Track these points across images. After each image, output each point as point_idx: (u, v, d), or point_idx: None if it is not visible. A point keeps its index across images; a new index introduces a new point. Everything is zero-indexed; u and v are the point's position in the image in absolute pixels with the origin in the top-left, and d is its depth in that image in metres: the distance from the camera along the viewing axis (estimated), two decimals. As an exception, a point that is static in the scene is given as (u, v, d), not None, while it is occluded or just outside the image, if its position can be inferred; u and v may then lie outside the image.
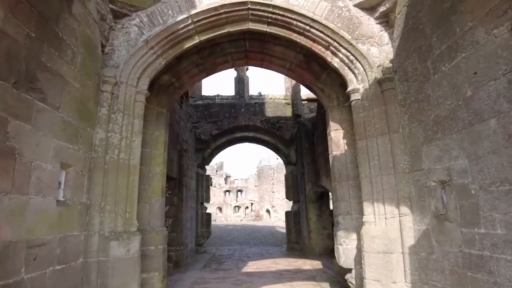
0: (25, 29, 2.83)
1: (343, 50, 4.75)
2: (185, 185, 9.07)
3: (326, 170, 7.74)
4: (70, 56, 3.55)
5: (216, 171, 38.97)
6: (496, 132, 2.70)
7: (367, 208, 4.36)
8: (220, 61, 5.80)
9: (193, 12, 4.65)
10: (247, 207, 39.39)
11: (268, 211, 37.03)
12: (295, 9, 4.70)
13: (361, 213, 4.66)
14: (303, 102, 12.73)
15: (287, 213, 12.84)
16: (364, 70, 4.63)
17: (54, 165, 3.22)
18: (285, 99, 12.85)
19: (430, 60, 3.60)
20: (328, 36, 4.76)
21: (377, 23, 4.79)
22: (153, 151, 5.20)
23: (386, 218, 4.15)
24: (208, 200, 13.32)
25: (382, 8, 4.67)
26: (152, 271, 4.74)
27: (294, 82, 12.70)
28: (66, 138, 3.46)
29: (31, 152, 2.87)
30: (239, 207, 39.45)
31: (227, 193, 40.06)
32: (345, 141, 5.20)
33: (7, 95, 2.60)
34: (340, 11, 4.79)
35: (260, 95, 13.14)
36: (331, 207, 11.45)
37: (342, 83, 5.12)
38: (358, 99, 4.66)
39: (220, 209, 38.96)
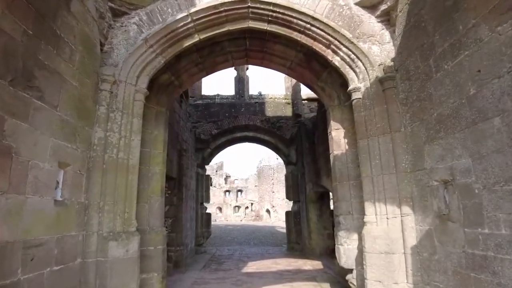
0: (22, 26, 2.79)
1: (344, 49, 4.71)
2: (185, 185, 9.03)
3: (327, 170, 7.70)
4: (68, 54, 3.51)
5: (216, 171, 38.93)
6: (500, 131, 2.66)
7: (369, 208, 4.31)
8: (220, 60, 5.76)
9: (193, 10, 4.61)
10: (247, 207, 39.35)
11: (268, 211, 36.99)
12: (296, 7, 4.66)
13: (362, 213, 4.62)
14: (303, 101, 12.68)
15: (287, 213, 12.80)
16: (365, 69, 4.58)
17: (52, 164, 3.18)
18: (285, 99, 12.81)
19: (433, 58, 3.56)
20: (329, 34, 4.72)
21: (378, 22, 4.75)
22: (152, 151, 5.15)
23: (387, 218, 4.11)
24: (208, 200, 13.28)
25: (383, 7, 4.63)
26: (151, 271, 4.69)
27: (294, 81, 12.66)
28: (64, 137, 3.41)
29: (28, 151, 2.83)
30: (239, 207, 39.41)
31: (227, 193, 40.03)
32: (346, 141, 5.16)
33: (4, 93, 2.56)
34: (341, 10, 4.75)
35: (260, 94, 13.10)
36: (331, 207, 11.41)
37: (343, 82, 5.08)
38: (359, 98, 4.62)
39: (220, 209, 38.92)
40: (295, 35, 4.90)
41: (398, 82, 4.30)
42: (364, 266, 4.22)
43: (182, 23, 4.63)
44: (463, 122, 3.08)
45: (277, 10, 4.69)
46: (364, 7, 4.76)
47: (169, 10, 4.65)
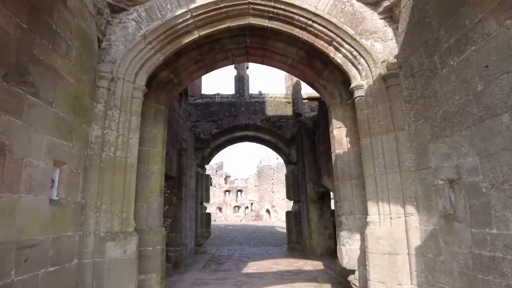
0: (16, 20, 2.70)
1: (346, 46, 4.63)
2: (185, 184, 8.95)
3: (328, 169, 7.62)
4: (64, 49, 3.42)
5: (216, 171, 38.85)
6: (509, 128, 2.58)
7: (372, 208, 4.23)
8: (220, 57, 5.68)
9: (193, 6, 4.52)
10: (247, 207, 39.27)
11: (268, 211, 36.91)
12: (297, 3, 4.58)
13: (364, 213, 4.54)
14: (304, 101, 12.60)
15: (287, 213, 12.72)
16: (368, 66, 4.50)
17: (47, 162, 3.09)
18: (286, 98, 12.73)
19: (438, 54, 3.48)
20: (331, 31, 4.63)
21: (380, 18, 4.67)
22: (151, 149, 5.07)
23: (391, 218, 4.02)
24: (207, 200, 13.19)
25: (386, 3, 4.55)
26: (150, 272, 4.61)
27: (294, 80, 12.59)
28: (60, 135, 3.33)
29: (22, 148, 2.74)
30: (239, 207, 39.32)
31: (227, 193, 39.94)
32: (348, 139, 5.08)
33: (-4, 88, 2.48)
34: (343, 6, 4.67)
35: (260, 93, 13.02)
36: (332, 207, 11.35)
37: (345, 80, 5.00)
38: (362, 96, 4.54)
39: (220, 209, 38.84)
40: (297, 32, 4.81)
41: (402, 79, 4.22)
42: (367, 267, 4.14)
43: (181, 19, 4.55)
44: (470, 119, 3.00)
45: (278, 6, 4.61)
46: (366, 3, 4.68)
47: (168, 6, 4.57)
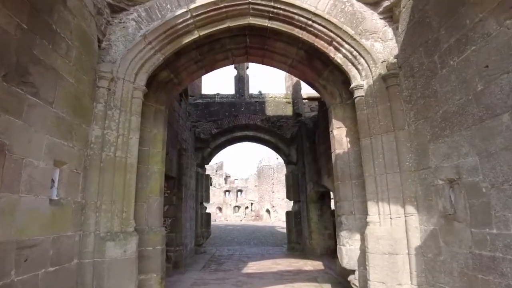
0: (16, 20, 2.70)
1: (346, 46, 4.63)
2: (185, 184, 8.95)
3: (328, 169, 7.62)
4: (64, 49, 3.42)
5: (216, 171, 38.85)
6: (509, 128, 2.58)
7: (372, 208, 4.23)
8: (220, 57, 5.68)
9: (193, 6, 4.52)
10: (247, 207, 39.27)
11: (268, 211, 36.91)
12: (297, 3, 4.58)
13: (364, 213, 4.54)
14: (304, 101, 12.60)
15: (287, 213, 12.71)
16: (368, 66, 4.50)
17: (47, 162, 3.09)
18: (286, 98, 12.73)
19: (438, 54, 3.48)
20: (331, 31, 4.63)
21: (380, 18, 4.67)
22: (151, 149, 5.07)
23: (391, 218, 4.02)
24: (207, 200, 13.19)
25: (386, 3, 4.55)
26: (150, 272, 4.61)
27: (294, 81, 12.58)
28: (60, 135, 3.33)
29: (22, 148, 2.74)
30: (239, 207, 39.32)
31: (227, 193, 39.94)
32: (348, 139, 5.08)
33: (-4, 88, 2.48)
34: (343, 6, 4.67)
35: (260, 93, 13.01)
36: (332, 207, 11.35)
37: (345, 80, 5.00)
38: (362, 96, 4.54)
39: (220, 209, 38.83)
40: (297, 32, 4.81)
41: (402, 79, 4.22)
42: (367, 267, 4.14)
43: (181, 19, 4.55)
44: (470, 119, 3.00)
45: (278, 6, 4.61)
46: (366, 3, 4.68)
47: (168, 6, 4.57)
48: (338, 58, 4.75)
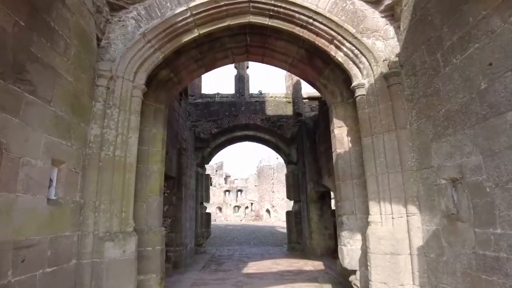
0: (14, 17, 2.67)
1: (347, 44, 4.59)
2: (185, 184, 8.91)
3: (328, 169, 7.58)
4: (62, 47, 3.38)
5: (216, 170, 38.80)
6: (514, 126, 2.53)
7: (373, 207, 4.19)
8: (220, 56, 5.64)
9: (192, 4, 4.48)
10: (247, 207, 39.22)
11: (268, 211, 36.87)
12: (298, 1, 4.54)
13: (365, 213, 4.50)
14: (304, 100, 12.56)
15: (288, 213, 12.68)
16: (370, 65, 4.46)
17: (45, 161, 3.05)
18: (286, 98, 12.69)
19: (440, 52, 3.44)
20: (332, 29, 4.59)
21: (382, 17, 4.63)
22: (150, 149, 5.03)
23: (393, 218, 3.98)
24: (207, 200, 13.15)
25: (387, 1, 4.51)
26: (149, 272, 4.57)
27: (295, 80, 12.55)
28: (58, 134, 3.29)
29: (19, 147, 2.70)
30: (239, 207, 39.27)
31: (227, 193, 39.89)
32: (349, 139, 5.04)
33: (-7, 86, 2.44)
34: (344, 4, 4.63)
35: (260, 93, 12.97)
36: (332, 207, 11.31)
37: (346, 78, 4.97)
38: (363, 95, 4.50)
39: (220, 209, 38.79)
40: (297, 30, 4.77)
41: (404, 78, 4.18)
42: (369, 267, 4.10)
43: (181, 18, 4.51)
44: (474, 118, 2.96)
45: (279, 4, 4.57)
46: (367, 2, 4.64)
47: (168, 4, 4.53)
48: (339, 56, 4.71)
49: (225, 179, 40.43)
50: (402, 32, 4.30)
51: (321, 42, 4.76)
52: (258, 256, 10.60)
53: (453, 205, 3.28)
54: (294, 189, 11.99)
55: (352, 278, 4.82)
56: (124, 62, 4.31)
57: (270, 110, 12.42)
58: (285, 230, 13.58)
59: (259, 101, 12.56)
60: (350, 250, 4.74)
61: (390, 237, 3.93)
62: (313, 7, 4.55)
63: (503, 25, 2.63)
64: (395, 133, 4.13)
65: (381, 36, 4.56)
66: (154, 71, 4.82)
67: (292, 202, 12.52)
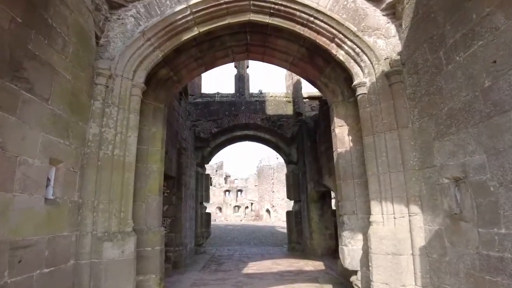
0: (10, 14, 2.62)
1: (348, 42, 4.55)
2: (184, 184, 8.87)
3: (329, 168, 7.55)
4: (60, 45, 3.34)
5: (216, 170, 38.76)
6: (518, 125, 2.49)
7: (375, 207, 4.15)
8: (220, 54, 5.60)
9: (192, 2, 4.44)
10: (247, 207, 39.18)
11: (268, 211, 36.83)
12: (299, -1, 4.49)
13: (367, 212, 4.46)
14: (304, 100, 12.52)
15: (288, 213, 12.63)
16: (371, 63, 4.42)
17: (42, 160, 3.01)
18: (286, 97, 12.65)
19: (443, 50, 3.40)
20: (333, 27, 4.55)
21: (383, 15, 4.60)
22: (150, 148, 4.98)
23: (395, 218, 3.94)
24: (207, 200, 13.11)
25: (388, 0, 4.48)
26: (148, 273, 4.53)
27: (295, 80, 12.51)
28: (56, 132, 3.24)
29: (16, 146, 2.66)
30: (239, 207, 39.23)
31: (227, 192, 39.85)
32: (350, 138, 4.99)
33: (-11, 83, 2.39)
34: (345, 2, 4.59)
35: (260, 93, 12.93)
36: (333, 206, 11.29)
37: (347, 77, 4.93)
38: (365, 93, 4.46)
39: (220, 209, 38.75)
40: (298, 29, 4.73)
41: (405, 76, 4.14)
42: (370, 268, 4.06)
43: (180, 16, 4.46)
44: (477, 116, 2.91)
45: (279, 2, 4.52)
46: (368, 0, 4.60)
47: (168, 2, 4.49)
48: (340, 55, 4.67)
49: (225, 179, 40.39)
50: (404, 30, 4.26)
51: (322, 41, 4.72)
52: (258, 256, 10.56)
53: (456, 205, 3.24)
54: (294, 189, 11.95)
55: (353, 278, 4.77)
56: (123, 61, 4.27)
57: (270, 110, 12.38)
58: (285, 230, 13.54)
59: (259, 101, 12.52)
60: (351, 250, 4.70)
61: (392, 237, 3.89)
62: (314, 5, 4.51)
63: (507, 22, 2.59)
64: (397, 132, 4.09)
65: (383, 35, 4.52)
66: (153, 69, 4.78)
67: (292, 202, 12.48)
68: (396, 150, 4.05)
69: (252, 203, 39.15)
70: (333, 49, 4.70)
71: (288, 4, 4.54)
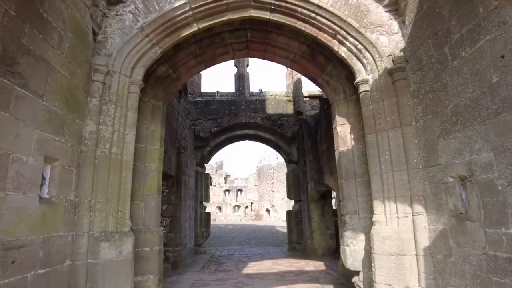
0: (4, 6, 2.54)
1: (350, 39, 4.46)
2: (184, 183, 8.78)
3: (330, 168, 7.47)
4: (56, 40, 3.25)
5: (216, 170, 38.67)
6: (528, 121, 2.41)
7: (377, 207, 4.07)
8: (220, 52, 5.51)
9: (192, -3, 4.35)
10: (247, 207, 39.09)
11: (268, 210, 36.74)
12: (300, -6, 4.41)
13: (369, 212, 4.38)
14: (305, 99, 12.43)
15: (288, 213, 12.55)
16: (374, 60, 4.34)
17: (37, 158, 2.92)
18: (287, 96, 12.56)
19: (448, 45, 3.31)
20: (335, 24, 4.47)
21: (386, 11, 4.52)
22: (148, 147, 4.90)
23: (398, 218, 3.86)
24: (207, 199, 13.02)
25: (391, -5, 4.39)
26: (147, 273, 4.44)
27: (295, 78, 12.42)
28: (52, 130, 3.16)
29: (9, 143, 2.57)
30: (238, 206, 39.14)
31: (226, 192, 39.75)
32: (352, 136, 4.91)
33: (-20, 78, 2.31)
34: (347, -2, 4.50)
35: (260, 91, 12.84)
36: (334, 206, 11.21)
37: (349, 75, 4.85)
38: (367, 91, 4.37)
39: (219, 208, 38.65)
40: (299, 25, 4.65)
41: (409, 73, 4.06)
42: (373, 269, 3.98)
43: (180, 12, 4.38)
44: (484, 113, 2.83)
45: (280, -3, 4.44)
46: (371, -4, 4.52)
47: (166, -3, 4.40)
48: (342, 52, 4.59)
49: (225, 178, 40.29)
50: (407, 26, 4.18)
51: (323, 37, 4.63)
52: (258, 256, 10.48)
53: (462, 204, 3.16)
54: (294, 188, 11.86)
55: (355, 279, 4.69)
56: (121, 57, 4.18)
57: (270, 109, 12.30)
58: (285, 230, 13.46)
59: (259, 100, 12.43)
60: (353, 250, 4.62)
61: (395, 237, 3.81)
62: (316, 1, 4.43)
63: (517, 15, 2.51)
64: (400, 130, 4.01)
65: (385, 31, 4.44)
66: (152, 66, 4.71)
67: (292, 202, 12.39)
68: (399, 148, 3.97)
69: (252, 203, 39.06)
70: (335, 46, 4.61)
71: (289, 0, 4.46)
